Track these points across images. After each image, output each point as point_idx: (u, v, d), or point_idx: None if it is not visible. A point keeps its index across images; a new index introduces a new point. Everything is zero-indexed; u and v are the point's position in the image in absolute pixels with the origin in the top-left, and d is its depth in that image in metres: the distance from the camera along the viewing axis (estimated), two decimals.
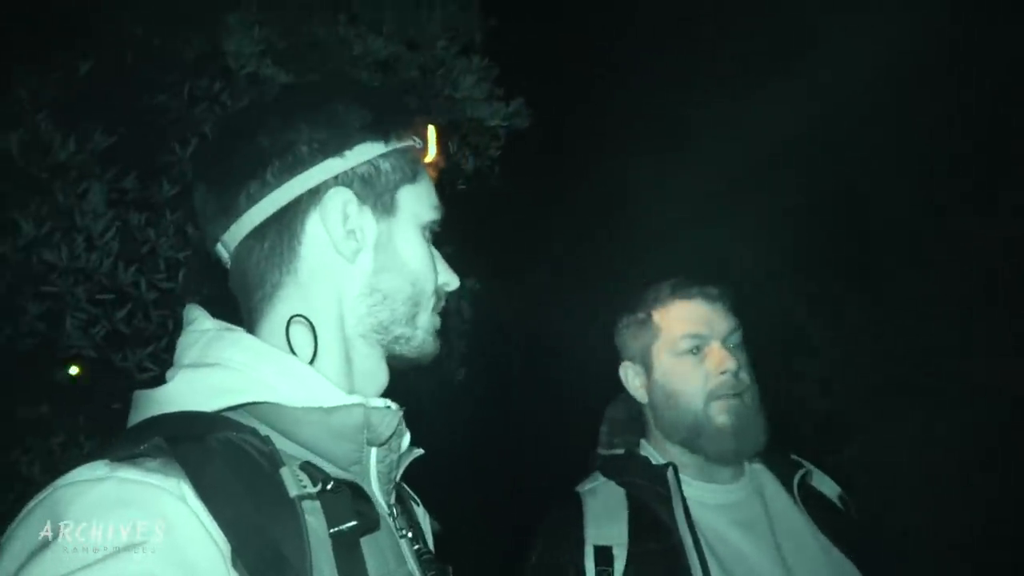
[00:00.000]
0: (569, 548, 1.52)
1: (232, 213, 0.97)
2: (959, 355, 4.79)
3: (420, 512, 1.15)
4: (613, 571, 1.47)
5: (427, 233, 1.05)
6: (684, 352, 1.62)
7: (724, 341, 1.61)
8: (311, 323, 0.95)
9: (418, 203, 1.03)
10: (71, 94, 2.24)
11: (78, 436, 2.43)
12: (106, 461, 0.75)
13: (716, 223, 5.29)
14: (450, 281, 1.09)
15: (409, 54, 3.17)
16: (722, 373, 1.57)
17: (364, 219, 0.98)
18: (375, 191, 0.99)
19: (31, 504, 0.75)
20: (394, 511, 1.00)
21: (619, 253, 5.16)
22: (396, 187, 1.01)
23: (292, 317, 0.94)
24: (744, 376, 1.59)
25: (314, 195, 0.96)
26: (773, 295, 5.45)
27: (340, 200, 0.96)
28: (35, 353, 2.36)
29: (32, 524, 0.72)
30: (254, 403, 0.89)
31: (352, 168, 0.98)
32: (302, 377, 0.91)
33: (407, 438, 1.02)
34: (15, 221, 2.04)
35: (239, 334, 0.95)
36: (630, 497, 1.59)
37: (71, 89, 2.24)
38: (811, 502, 1.61)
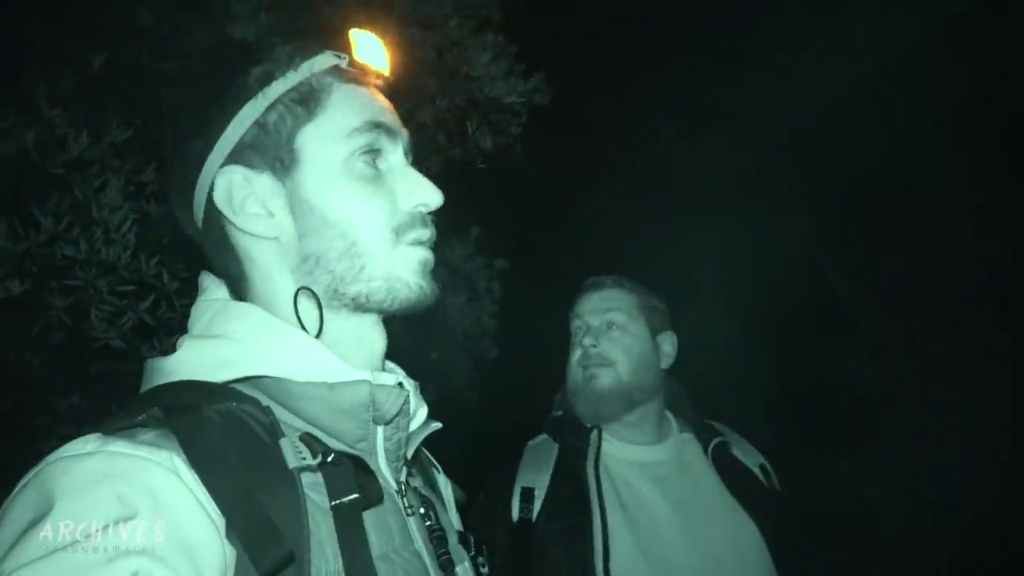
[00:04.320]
0: (501, 490, 1.84)
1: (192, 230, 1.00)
2: (1001, 327, 4.62)
3: (442, 480, 1.11)
4: (533, 509, 1.77)
5: (361, 160, 0.93)
6: (575, 332, 2.02)
7: (597, 322, 1.96)
8: (316, 296, 0.91)
9: (327, 139, 0.92)
10: (86, 89, 2.26)
11: None
12: (98, 435, 0.74)
13: (751, 198, 5.18)
14: (425, 199, 0.96)
15: (423, 34, 3.13)
16: (582, 346, 1.94)
17: (262, 189, 0.91)
18: (270, 153, 0.92)
19: (22, 482, 0.73)
20: (403, 488, 0.95)
21: (647, 230, 5.08)
22: (291, 136, 0.92)
23: (299, 290, 0.91)
24: (606, 350, 1.90)
25: (213, 190, 0.92)
26: (813, 267, 5.34)
27: (223, 186, 0.91)
28: (65, 345, 2.41)
29: (22, 502, 0.70)
30: (258, 376, 0.86)
31: (240, 139, 0.91)
32: (306, 351, 0.88)
33: (422, 413, 0.98)
34: (34, 217, 2.08)
35: (246, 306, 0.93)
36: (560, 451, 1.91)
37: (85, 84, 2.26)
38: (726, 467, 1.87)
